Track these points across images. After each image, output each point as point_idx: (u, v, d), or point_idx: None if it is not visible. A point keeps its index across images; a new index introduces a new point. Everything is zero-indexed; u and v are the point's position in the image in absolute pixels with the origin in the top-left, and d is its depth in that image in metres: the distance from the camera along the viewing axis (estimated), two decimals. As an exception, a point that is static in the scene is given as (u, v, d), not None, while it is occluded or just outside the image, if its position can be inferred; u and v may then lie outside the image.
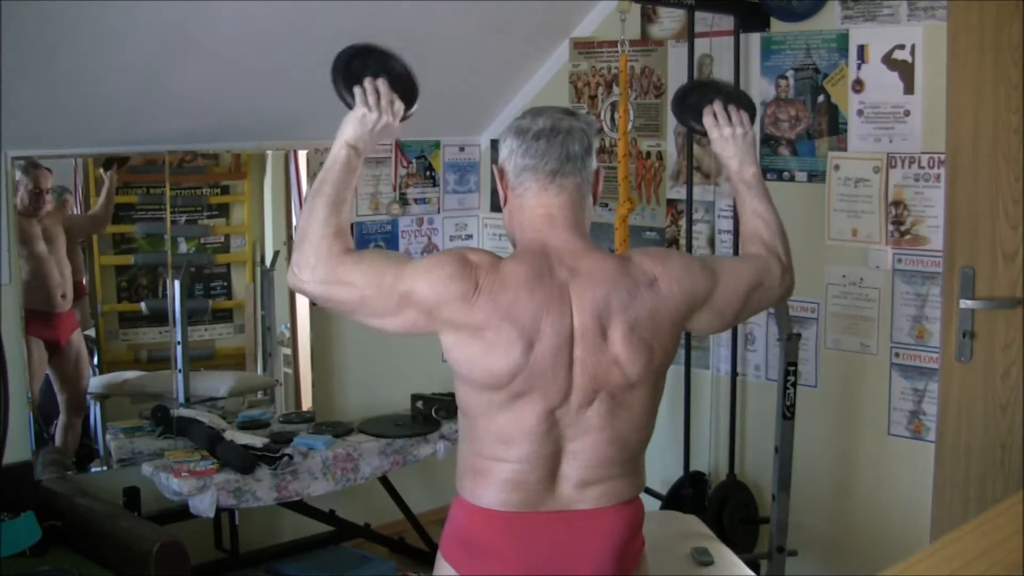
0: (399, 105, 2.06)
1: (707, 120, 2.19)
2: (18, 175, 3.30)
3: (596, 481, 1.93)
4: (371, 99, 2.03)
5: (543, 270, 1.87)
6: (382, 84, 2.04)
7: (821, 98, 3.51)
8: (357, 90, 2.03)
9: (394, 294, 1.86)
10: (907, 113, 3.32)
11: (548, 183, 1.93)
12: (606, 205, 3.84)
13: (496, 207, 4.42)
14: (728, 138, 2.16)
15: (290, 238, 3.99)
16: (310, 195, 2.00)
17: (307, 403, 4.05)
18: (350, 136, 2.05)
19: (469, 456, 1.96)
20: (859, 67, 3.41)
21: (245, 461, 3.21)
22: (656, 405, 1.98)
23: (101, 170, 3.52)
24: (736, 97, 2.24)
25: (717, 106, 2.18)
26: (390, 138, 2.12)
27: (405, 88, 2.07)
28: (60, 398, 3.50)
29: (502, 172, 1.98)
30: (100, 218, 3.58)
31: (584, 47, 4.10)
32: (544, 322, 1.83)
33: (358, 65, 2.05)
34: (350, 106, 2.05)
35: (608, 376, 1.87)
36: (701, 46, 3.70)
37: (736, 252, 3.68)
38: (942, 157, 3.12)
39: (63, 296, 3.48)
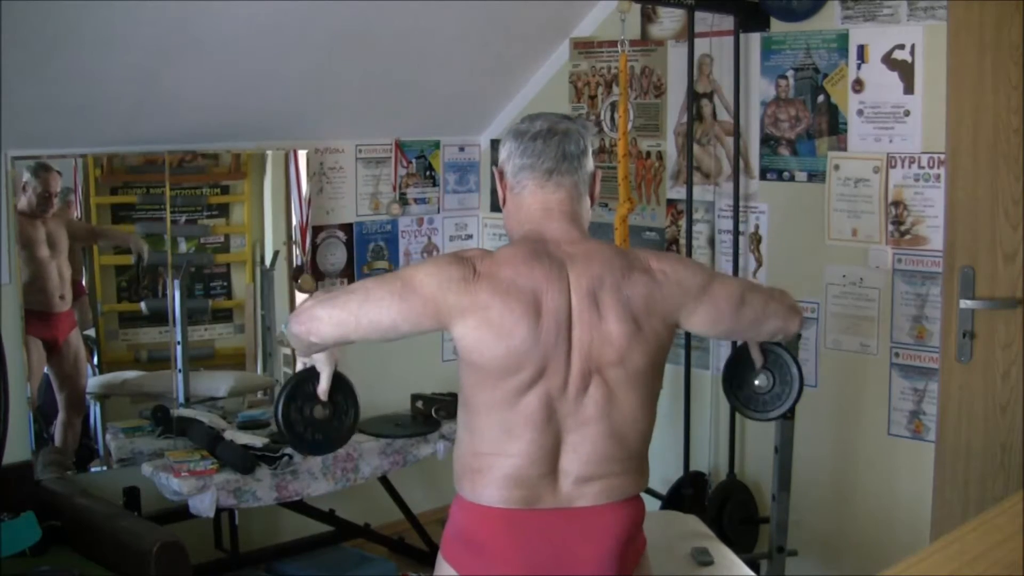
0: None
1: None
2: (27, 176, 3.30)
3: (596, 477, 1.94)
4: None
5: (540, 251, 1.92)
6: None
7: (821, 98, 3.51)
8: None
9: (396, 281, 1.91)
10: (907, 113, 3.32)
11: (545, 180, 1.98)
12: (606, 205, 3.84)
13: (496, 207, 4.41)
14: None
15: (290, 238, 3.99)
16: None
17: (307, 403, 4.05)
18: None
19: (468, 456, 1.97)
20: (859, 67, 3.41)
21: (245, 461, 3.21)
22: (652, 401, 1.99)
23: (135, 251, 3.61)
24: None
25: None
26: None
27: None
28: (59, 397, 3.50)
29: (501, 173, 2.04)
30: (102, 235, 3.58)
31: (584, 47, 4.10)
32: (545, 296, 1.87)
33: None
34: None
35: (600, 352, 1.89)
36: (701, 46, 3.70)
37: (736, 251, 3.69)
38: (942, 157, 3.12)
39: (61, 297, 3.48)
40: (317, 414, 2.09)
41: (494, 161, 2.08)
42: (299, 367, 2.12)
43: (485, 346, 1.87)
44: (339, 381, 2.11)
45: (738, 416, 3.78)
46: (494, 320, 1.85)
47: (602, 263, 1.91)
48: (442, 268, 1.89)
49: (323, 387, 2.08)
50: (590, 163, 2.02)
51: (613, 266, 1.91)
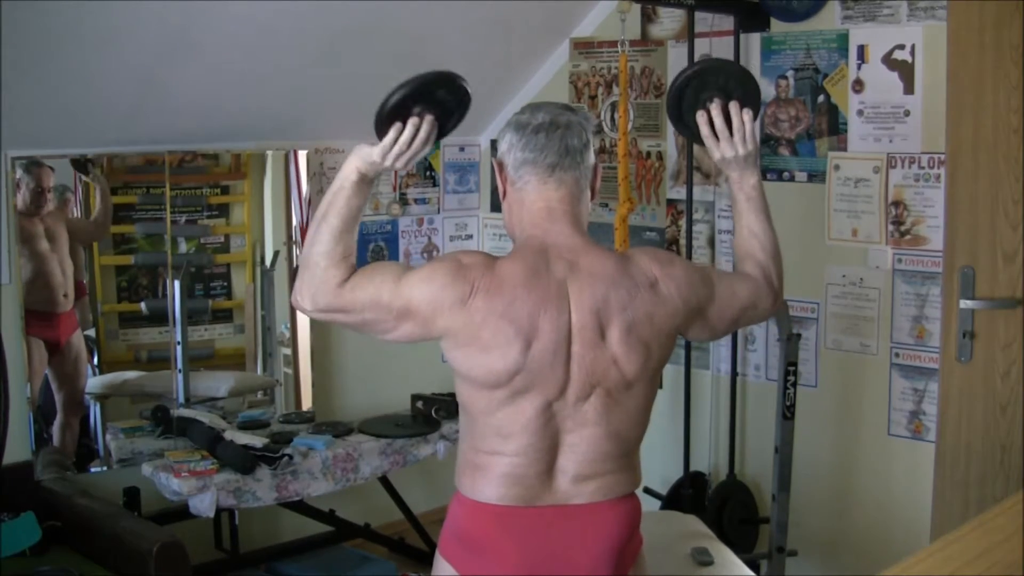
0: (421, 153, 1.96)
1: (708, 141, 2.06)
2: (20, 173, 3.30)
3: (592, 476, 1.93)
4: (395, 151, 1.92)
5: (540, 267, 1.88)
6: (421, 133, 1.93)
7: (821, 98, 3.51)
8: (392, 131, 1.92)
9: (392, 311, 1.89)
10: (907, 113, 3.32)
11: (547, 176, 1.95)
12: (606, 205, 3.84)
13: (496, 207, 4.42)
14: (730, 158, 2.06)
15: (290, 238, 3.99)
16: (316, 219, 1.95)
17: (307, 403, 4.05)
18: (361, 165, 1.95)
19: (468, 452, 1.97)
20: (859, 67, 3.41)
21: (245, 461, 3.21)
22: (651, 402, 2.00)
23: (85, 178, 3.50)
24: (738, 87, 2.04)
25: (715, 112, 2.03)
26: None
27: (444, 123, 1.98)
28: (57, 398, 3.50)
29: (501, 166, 2.00)
30: (102, 222, 3.58)
31: (584, 47, 4.10)
32: (542, 319, 1.84)
33: (417, 95, 1.93)
34: (379, 134, 1.94)
35: (606, 374, 1.88)
36: (701, 46, 3.70)
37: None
38: (942, 157, 3.12)
39: (65, 296, 3.48)
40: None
41: (494, 156, 2.05)
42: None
43: (472, 362, 1.87)
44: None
45: (738, 416, 3.78)
46: (484, 341, 1.84)
47: (605, 281, 1.88)
48: (436, 291, 1.85)
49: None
50: (591, 156, 1.99)
51: (617, 285, 1.88)
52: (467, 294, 1.84)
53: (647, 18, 3.92)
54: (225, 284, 3.93)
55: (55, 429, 3.48)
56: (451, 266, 1.88)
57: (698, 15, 3.60)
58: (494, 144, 4.74)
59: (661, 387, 2.05)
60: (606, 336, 1.87)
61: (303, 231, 3.98)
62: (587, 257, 1.91)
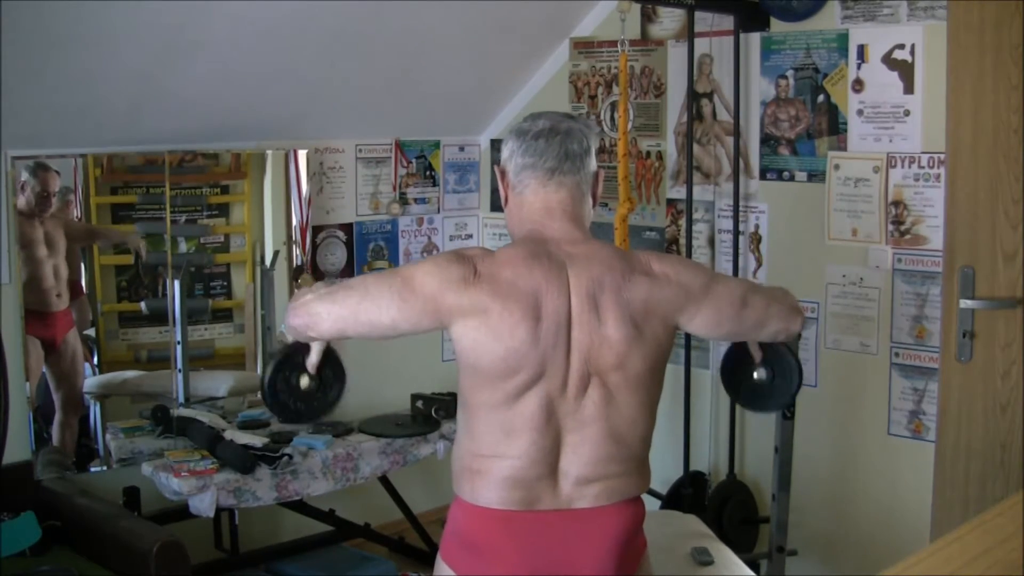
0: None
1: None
2: (25, 176, 3.30)
3: (595, 479, 1.94)
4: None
5: (540, 252, 1.91)
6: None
7: (821, 98, 3.51)
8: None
9: (396, 279, 1.90)
10: (907, 113, 3.32)
11: (547, 180, 1.97)
12: (606, 205, 3.84)
13: (496, 207, 4.42)
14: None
15: (290, 238, 3.99)
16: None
17: (307, 403, 4.05)
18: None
19: (467, 457, 1.97)
20: (859, 67, 3.41)
21: (245, 461, 3.21)
22: (651, 404, 1.99)
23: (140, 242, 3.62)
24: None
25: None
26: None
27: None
28: (56, 397, 3.49)
29: (503, 172, 2.03)
30: (100, 235, 3.58)
31: (584, 47, 4.10)
32: (545, 298, 1.86)
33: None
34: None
35: (599, 356, 1.89)
36: (701, 46, 3.70)
37: (736, 251, 3.69)
38: (942, 157, 3.12)
39: (58, 296, 3.47)
40: (303, 384, 2.08)
41: (495, 161, 2.08)
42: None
43: (483, 347, 1.87)
44: (330, 356, 2.09)
45: (738, 416, 3.78)
46: (493, 322, 1.85)
47: (602, 265, 1.90)
48: (442, 267, 1.88)
49: (312, 360, 2.05)
50: (593, 163, 2.01)
51: (613, 268, 1.90)
52: (471, 274, 1.87)
53: (647, 18, 3.92)
54: (225, 284, 3.93)
55: (55, 428, 3.48)
56: (452, 253, 1.94)
57: (698, 15, 3.60)
58: (494, 144, 4.77)
59: (661, 390, 2.04)
60: (602, 319, 1.89)
61: (303, 231, 3.98)
62: (585, 246, 1.95)
